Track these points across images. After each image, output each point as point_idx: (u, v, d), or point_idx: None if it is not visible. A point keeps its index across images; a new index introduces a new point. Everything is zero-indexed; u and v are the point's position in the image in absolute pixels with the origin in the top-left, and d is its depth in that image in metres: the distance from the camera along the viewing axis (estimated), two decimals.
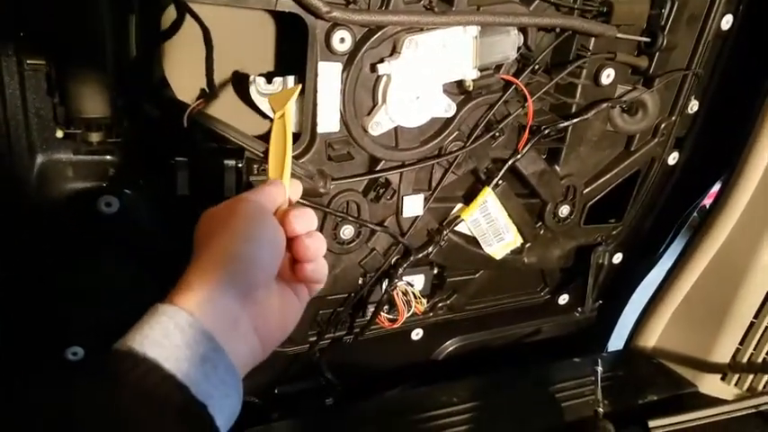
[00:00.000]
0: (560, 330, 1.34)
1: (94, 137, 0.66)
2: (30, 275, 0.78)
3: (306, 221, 0.56)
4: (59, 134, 0.71)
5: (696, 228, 1.14)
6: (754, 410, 1.02)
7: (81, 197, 0.76)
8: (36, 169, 0.73)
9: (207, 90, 0.67)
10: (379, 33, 0.81)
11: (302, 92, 0.83)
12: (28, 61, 0.65)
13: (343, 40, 0.79)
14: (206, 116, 0.69)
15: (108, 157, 0.75)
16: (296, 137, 0.86)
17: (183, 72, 0.77)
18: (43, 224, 0.76)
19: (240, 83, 0.85)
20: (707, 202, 1.18)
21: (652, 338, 1.24)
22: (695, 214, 1.24)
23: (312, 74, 0.80)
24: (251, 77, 0.82)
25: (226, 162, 0.68)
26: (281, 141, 0.59)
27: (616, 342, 1.36)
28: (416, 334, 1.18)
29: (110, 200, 0.76)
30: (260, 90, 0.83)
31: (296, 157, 0.85)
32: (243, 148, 0.69)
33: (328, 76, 0.81)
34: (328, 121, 0.85)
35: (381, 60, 0.83)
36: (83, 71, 0.60)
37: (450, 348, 1.25)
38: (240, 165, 0.69)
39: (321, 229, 0.92)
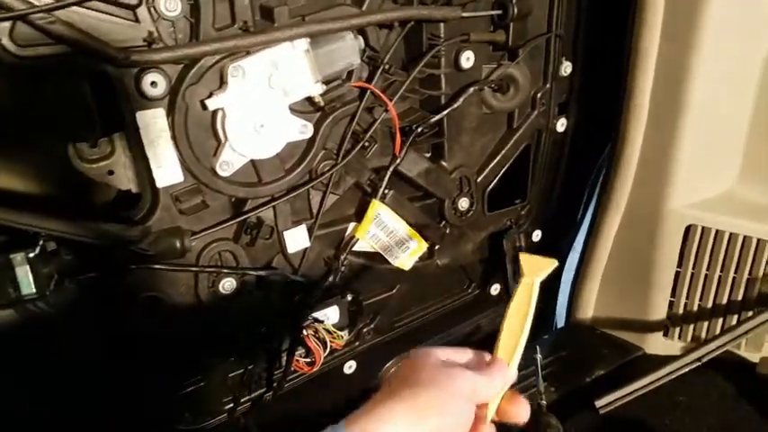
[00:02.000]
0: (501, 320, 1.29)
1: None
2: None
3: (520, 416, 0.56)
4: None
5: (601, 188, 1.11)
6: (698, 363, 0.98)
7: None
8: None
9: None
10: (197, 67, 0.73)
11: (130, 147, 0.74)
12: None
13: (155, 83, 0.71)
14: None
15: None
16: (136, 197, 0.77)
17: None
18: None
19: (58, 154, 0.75)
20: None
21: (589, 309, 1.20)
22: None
23: (132, 126, 0.72)
24: (69, 145, 0.73)
25: (12, 257, 0.58)
26: (521, 316, 0.55)
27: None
28: (349, 367, 1.10)
29: None
30: (83, 156, 0.74)
31: (140, 220, 0.77)
32: (36, 233, 0.60)
33: (151, 124, 0.73)
34: (167, 172, 0.76)
35: (210, 95, 0.75)
36: None
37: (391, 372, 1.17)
38: (32, 254, 0.59)
39: (195, 290, 0.83)
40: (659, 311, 1.10)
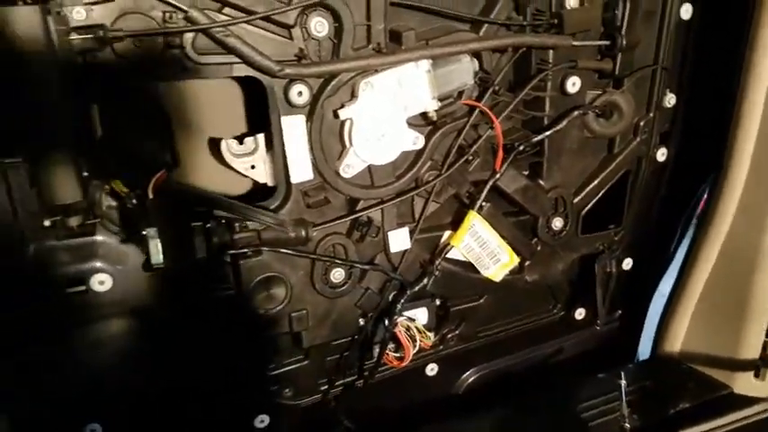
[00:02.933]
0: (585, 346, 1.30)
1: (73, 221, 0.71)
2: (36, 359, 0.82)
3: None
4: (47, 222, 0.76)
5: (698, 222, 1.11)
6: None
7: (75, 279, 0.79)
8: (30, 257, 0.78)
9: (170, 160, 0.70)
10: (335, 81, 0.84)
11: (271, 146, 0.87)
12: (6, 160, 0.70)
13: (300, 93, 0.83)
14: (171, 184, 0.72)
15: (99, 237, 0.80)
16: (271, 190, 0.89)
17: (158, 146, 0.82)
18: (43, 308, 0.80)
19: (215, 146, 0.89)
20: None
21: (677, 342, 1.18)
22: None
23: (277, 129, 0.84)
24: (222, 140, 0.86)
25: (193, 225, 0.70)
26: None
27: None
28: (431, 369, 1.16)
29: (102, 278, 0.80)
30: (232, 151, 0.87)
31: (274, 210, 0.88)
32: (212, 208, 0.72)
33: (293, 128, 0.85)
34: (301, 170, 0.87)
35: (342, 106, 0.86)
36: (51, 163, 0.65)
37: (471, 380, 1.21)
38: (209, 225, 0.71)
39: (311, 275, 0.94)
40: (752, 351, 1.07)
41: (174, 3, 0.71)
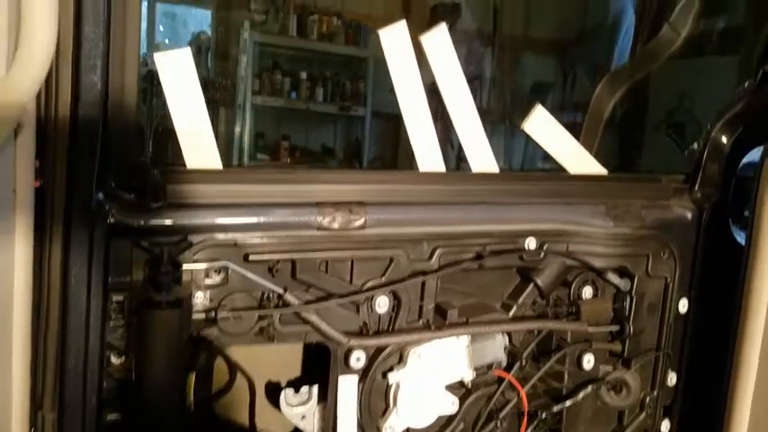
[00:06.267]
0: None
1: None
2: None
3: None
4: None
5: None
6: None
7: None
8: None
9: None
10: (388, 349, 0.98)
11: (323, 399, 0.97)
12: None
13: (359, 359, 0.96)
14: None
15: None
16: None
17: None
18: None
19: (273, 393, 0.99)
20: None
21: None
22: None
23: (334, 386, 0.95)
24: (283, 391, 0.97)
25: None
26: None
27: None
28: None
29: None
30: (288, 401, 0.97)
31: None
32: None
33: (347, 387, 0.96)
34: (347, 427, 0.96)
35: (391, 368, 0.99)
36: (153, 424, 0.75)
37: None
38: None
39: None
40: None
41: (272, 288, 0.88)
